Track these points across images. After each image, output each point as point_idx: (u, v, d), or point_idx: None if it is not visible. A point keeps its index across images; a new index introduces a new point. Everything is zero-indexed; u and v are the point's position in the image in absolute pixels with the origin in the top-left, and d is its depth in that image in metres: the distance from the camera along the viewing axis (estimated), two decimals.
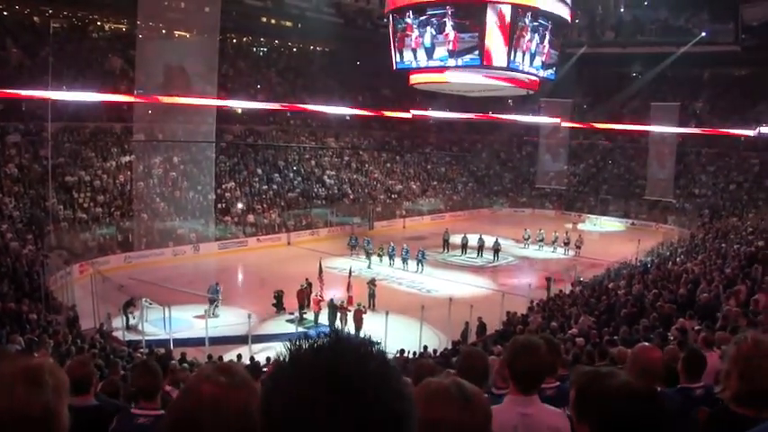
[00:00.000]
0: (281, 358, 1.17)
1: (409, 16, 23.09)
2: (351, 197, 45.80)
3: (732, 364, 2.47)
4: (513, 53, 21.17)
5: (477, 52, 21.78)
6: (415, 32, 22.97)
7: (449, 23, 22.03)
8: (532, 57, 22.14)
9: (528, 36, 21.63)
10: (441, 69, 24.01)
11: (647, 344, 4.50)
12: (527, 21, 21.42)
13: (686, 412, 3.55)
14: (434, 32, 22.52)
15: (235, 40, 51.91)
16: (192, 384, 1.51)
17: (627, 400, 1.98)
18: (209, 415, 1.42)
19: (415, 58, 23.60)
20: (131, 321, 21.91)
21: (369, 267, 32.00)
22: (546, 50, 22.55)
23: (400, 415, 1.10)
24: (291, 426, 1.07)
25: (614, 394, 2.00)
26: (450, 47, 22.05)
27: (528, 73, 22.33)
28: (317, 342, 1.16)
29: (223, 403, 1.43)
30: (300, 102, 46.72)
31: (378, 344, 1.19)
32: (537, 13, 21.69)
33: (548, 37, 22.48)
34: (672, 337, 10.29)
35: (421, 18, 22.74)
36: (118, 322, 21.65)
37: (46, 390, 1.58)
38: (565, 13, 22.50)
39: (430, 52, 22.77)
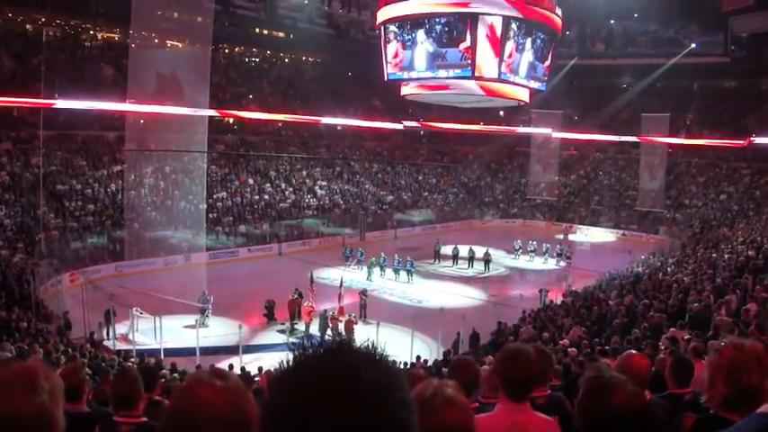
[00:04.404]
0: (284, 363, 1.16)
1: (399, 30, 20.10)
2: (342, 208, 45.74)
3: (716, 371, 2.50)
4: (503, 64, 20.25)
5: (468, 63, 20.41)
6: (398, 50, 20.26)
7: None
8: (517, 69, 20.86)
9: (512, 46, 20.29)
10: (433, 86, 21.14)
11: (634, 351, 4.53)
12: (516, 30, 20.40)
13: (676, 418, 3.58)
14: (435, 46, 19.44)
15: (227, 51, 52.02)
16: (187, 387, 1.50)
17: (623, 423, 2.03)
18: (205, 417, 1.42)
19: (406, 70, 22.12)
20: (111, 331, 21.53)
21: (368, 279, 31.82)
22: (546, 65, 22.02)
23: (402, 424, 1.09)
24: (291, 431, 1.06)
25: (613, 414, 2.04)
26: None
27: (519, 84, 21.79)
28: (321, 348, 1.16)
29: (219, 405, 1.43)
30: (292, 112, 46.74)
31: (382, 351, 1.18)
32: (528, 23, 20.77)
33: (549, 53, 21.86)
34: (663, 347, 10.31)
35: (417, 30, 19.70)
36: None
37: (41, 393, 1.59)
38: (556, 23, 21.97)
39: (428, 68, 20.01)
